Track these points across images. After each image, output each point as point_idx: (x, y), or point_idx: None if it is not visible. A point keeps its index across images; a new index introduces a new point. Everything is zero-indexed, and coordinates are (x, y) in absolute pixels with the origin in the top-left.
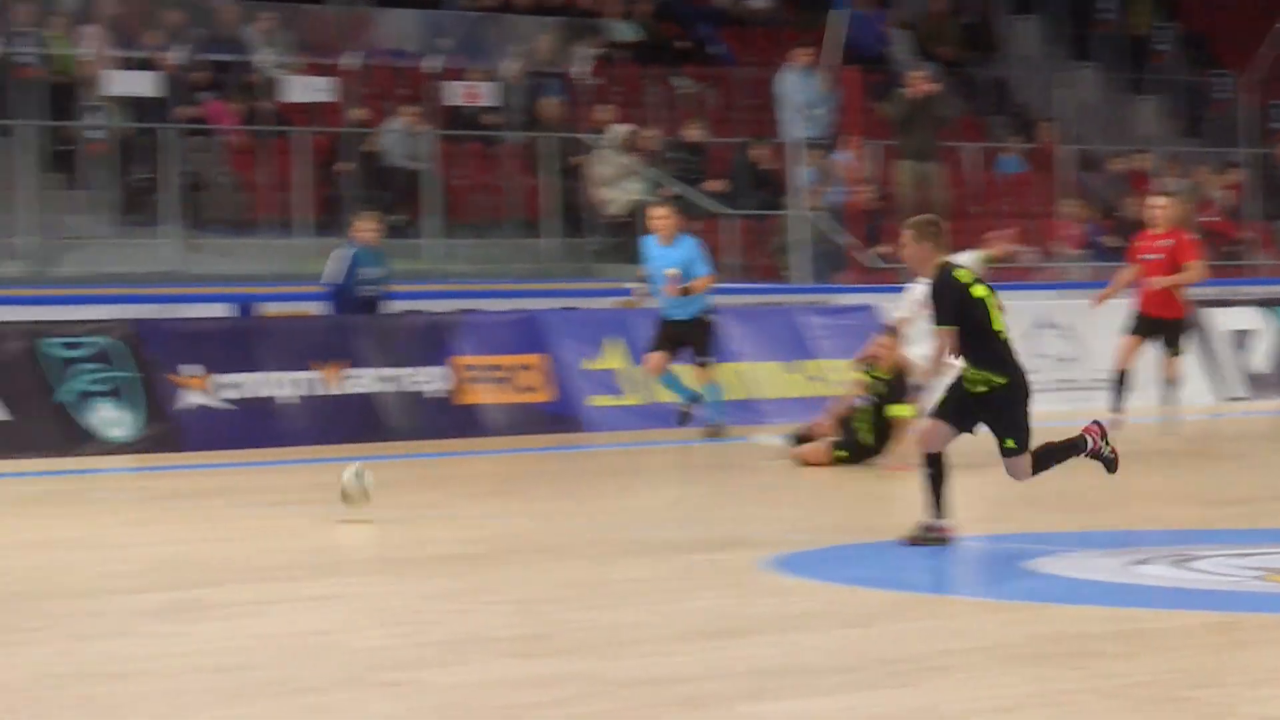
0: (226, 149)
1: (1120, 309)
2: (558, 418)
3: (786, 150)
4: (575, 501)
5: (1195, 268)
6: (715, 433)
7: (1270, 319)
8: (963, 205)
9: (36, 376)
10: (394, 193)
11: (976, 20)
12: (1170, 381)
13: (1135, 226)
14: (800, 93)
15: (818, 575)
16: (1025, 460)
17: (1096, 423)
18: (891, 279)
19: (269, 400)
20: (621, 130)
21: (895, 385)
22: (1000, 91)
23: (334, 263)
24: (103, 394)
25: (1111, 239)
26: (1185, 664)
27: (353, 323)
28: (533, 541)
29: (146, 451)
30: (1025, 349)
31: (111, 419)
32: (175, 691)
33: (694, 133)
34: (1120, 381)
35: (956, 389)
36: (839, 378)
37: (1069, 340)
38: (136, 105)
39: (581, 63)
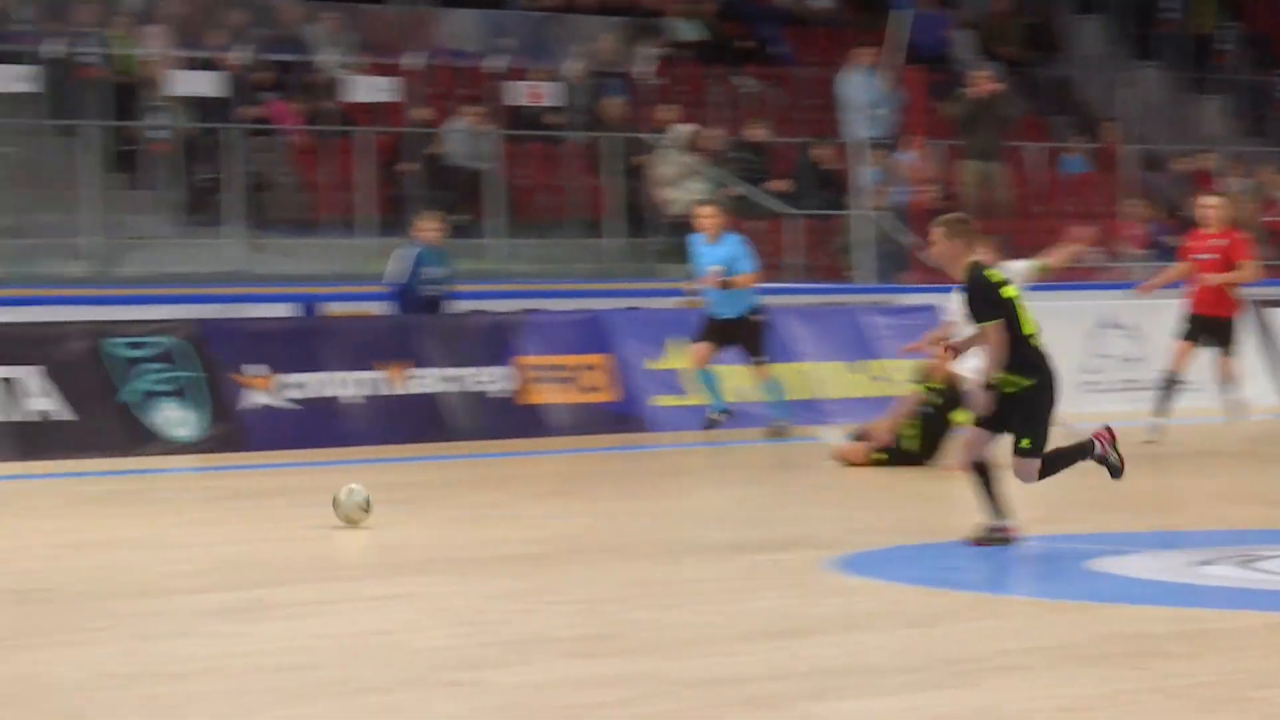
0: (290, 149)
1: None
2: (621, 418)
3: (849, 150)
4: (638, 501)
5: (1248, 267)
6: (779, 432)
7: None
8: (1026, 205)
9: (100, 377)
10: (457, 193)
11: (1039, 20)
12: (1226, 381)
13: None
14: (863, 93)
15: (881, 575)
16: (1036, 463)
17: (1107, 428)
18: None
19: (333, 400)
20: (684, 130)
21: (950, 395)
22: (1063, 91)
23: (397, 262)
24: (167, 394)
25: (1175, 239)
26: (1250, 664)
27: (416, 322)
28: (596, 541)
29: (210, 451)
30: (1089, 349)
31: (175, 419)
32: (237, 691)
33: (757, 133)
34: (1169, 385)
35: (991, 393)
36: (902, 378)
37: (1134, 340)
38: (200, 105)
39: (644, 62)
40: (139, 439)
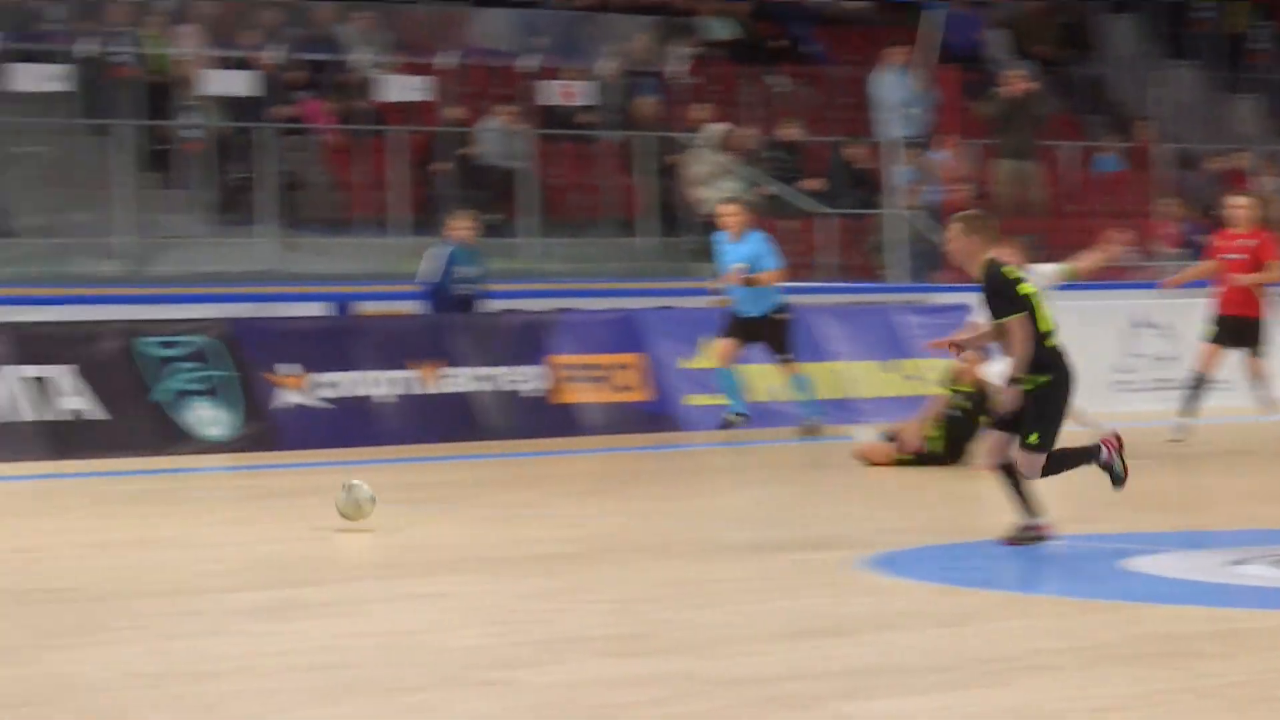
0: (323, 148)
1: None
2: (654, 417)
3: (882, 149)
4: (671, 501)
5: (1276, 267)
6: (811, 429)
7: None
8: (1059, 205)
9: (133, 375)
10: (490, 192)
11: (1073, 19)
12: (1257, 380)
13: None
14: (896, 92)
15: (913, 575)
16: (1041, 459)
17: (1116, 435)
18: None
19: (365, 399)
20: (718, 129)
21: (978, 399)
22: (1097, 90)
23: (430, 261)
24: (199, 393)
25: (1209, 238)
26: None
27: (449, 321)
28: (629, 541)
29: (243, 450)
30: (1122, 348)
31: (208, 418)
32: (269, 691)
33: (790, 132)
34: (1197, 385)
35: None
36: (935, 377)
37: (1167, 339)
38: (233, 105)
39: (677, 62)
40: (171, 438)
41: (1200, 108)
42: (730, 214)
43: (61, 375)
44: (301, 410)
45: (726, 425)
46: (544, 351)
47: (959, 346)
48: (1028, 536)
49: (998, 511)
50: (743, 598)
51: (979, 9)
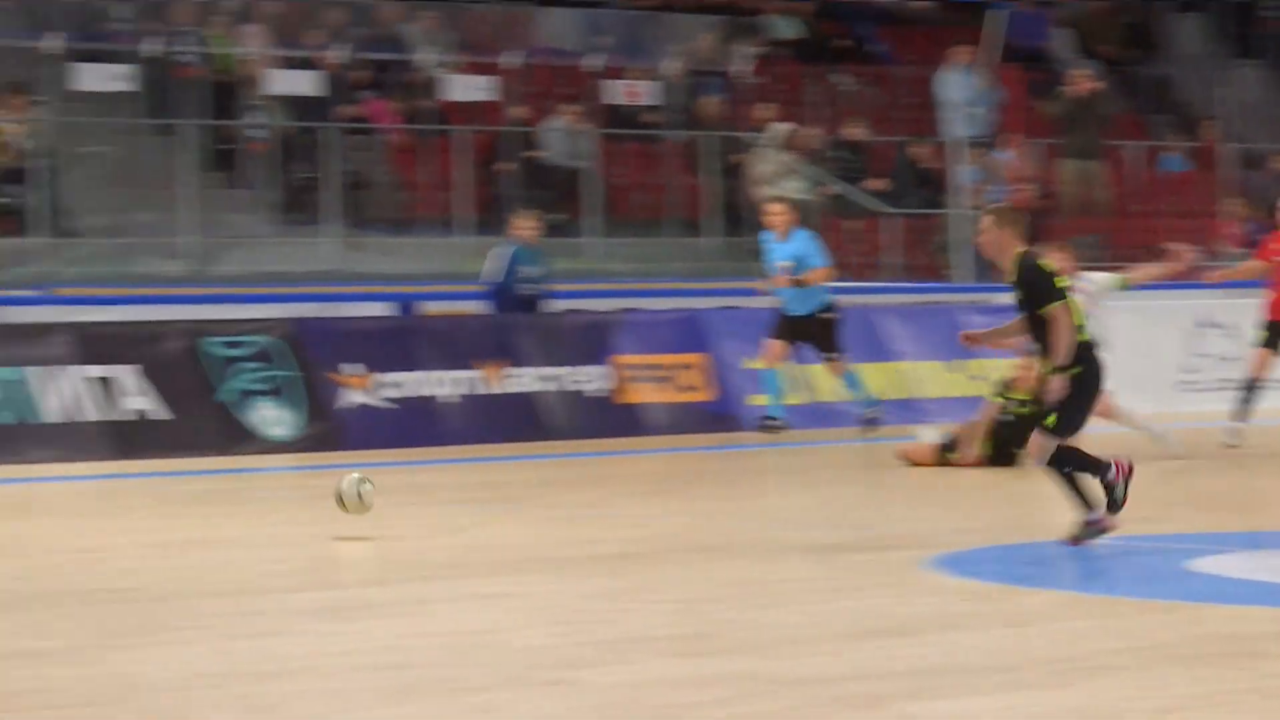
0: (387, 148)
1: None
2: (718, 417)
3: (947, 149)
4: (736, 501)
5: None
6: (870, 424)
7: None
8: (1124, 204)
9: (198, 375)
10: (554, 191)
11: (1138, 18)
12: None
13: None
14: (960, 91)
15: (977, 575)
16: (1052, 446)
17: (1129, 462)
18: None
19: (430, 399)
20: (782, 129)
21: (1032, 407)
22: (1162, 90)
23: (493, 261)
24: (264, 393)
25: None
26: None
27: (513, 321)
28: (693, 541)
29: (307, 450)
30: (1187, 348)
31: (272, 418)
32: (333, 691)
33: (855, 131)
34: (1249, 389)
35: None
36: (999, 377)
37: (1232, 339)
38: (297, 104)
39: (742, 61)
40: (236, 438)
41: (1266, 107)
42: (776, 213)
43: (126, 375)
44: (365, 410)
45: (765, 428)
46: (608, 351)
47: (973, 340)
48: (1089, 532)
49: (1060, 511)
50: (807, 598)
51: (1044, 8)
